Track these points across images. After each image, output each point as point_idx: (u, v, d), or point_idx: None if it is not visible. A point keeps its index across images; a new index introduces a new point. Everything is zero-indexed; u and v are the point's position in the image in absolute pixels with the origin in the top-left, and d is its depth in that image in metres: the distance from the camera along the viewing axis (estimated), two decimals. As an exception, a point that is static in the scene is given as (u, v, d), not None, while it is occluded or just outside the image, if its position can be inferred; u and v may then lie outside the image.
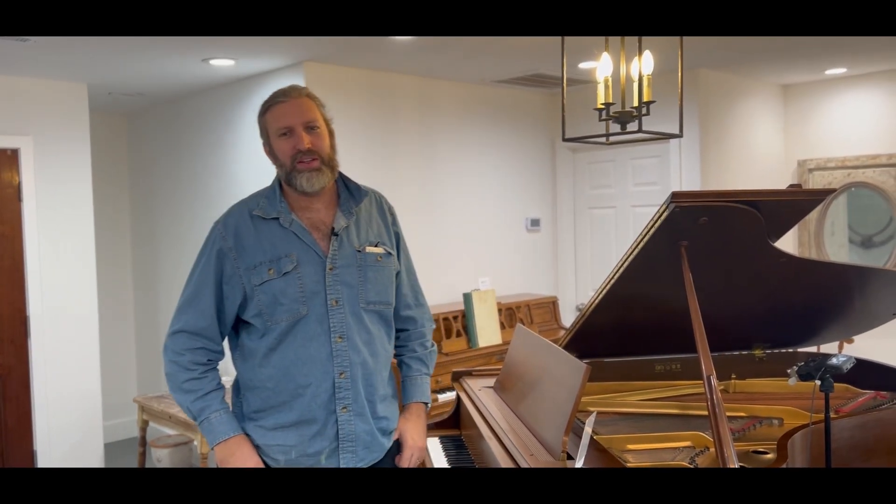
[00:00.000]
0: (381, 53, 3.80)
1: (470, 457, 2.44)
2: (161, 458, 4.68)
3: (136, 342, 5.65)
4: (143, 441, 4.31)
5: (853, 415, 2.25)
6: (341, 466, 1.87)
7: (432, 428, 2.74)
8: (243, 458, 1.81)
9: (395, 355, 2.13)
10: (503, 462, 2.03)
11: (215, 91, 4.58)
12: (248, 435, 1.87)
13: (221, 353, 1.90)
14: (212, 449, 1.84)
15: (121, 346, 5.60)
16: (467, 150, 4.75)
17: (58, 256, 4.23)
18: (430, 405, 2.16)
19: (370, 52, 3.78)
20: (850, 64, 4.44)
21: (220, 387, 1.88)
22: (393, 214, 2.05)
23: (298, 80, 3.96)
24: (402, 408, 2.09)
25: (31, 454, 4.19)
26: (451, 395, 3.65)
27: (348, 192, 1.95)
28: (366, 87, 4.19)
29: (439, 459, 2.45)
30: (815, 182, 4.96)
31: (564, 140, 2.44)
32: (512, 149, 5.01)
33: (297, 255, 1.83)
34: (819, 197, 2.09)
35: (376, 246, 1.93)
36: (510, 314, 4.37)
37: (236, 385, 1.96)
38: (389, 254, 1.97)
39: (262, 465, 1.84)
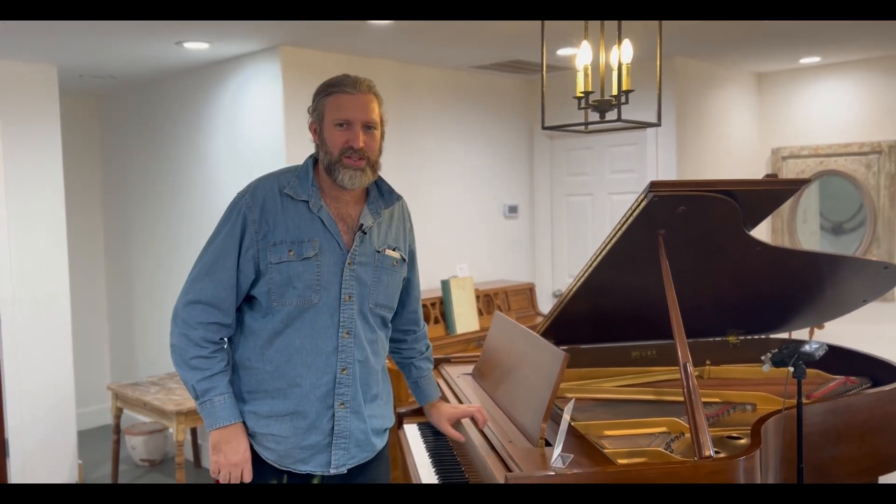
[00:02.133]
0: (358, 38, 3.77)
1: (448, 443, 2.45)
2: (136, 445, 4.64)
3: (110, 328, 5.59)
4: (116, 429, 4.27)
5: (824, 400, 2.30)
6: (331, 462, 1.86)
7: (410, 415, 2.75)
8: (236, 447, 1.80)
9: (403, 357, 2.16)
10: (482, 449, 2.04)
11: (189, 74, 4.51)
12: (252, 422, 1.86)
13: (232, 329, 1.87)
14: (209, 431, 1.82)
15: (93, 333, 5.53)
16: (445, 136, 4.74)
17: (28, 242, 4.16)
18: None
19: (347, 37, 3.74)
20: (823, 53, 4.48)
21: (227, 368, 1.85)
22: (411, 223, 2.07)
23: (274, 65, 3.91)
24: (428, 408, 2.16)
25: (3, 443, 4.13)
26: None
27: (378, 192, 1.94)
28: (342, 72, 4.14)
29: (417, 446, 2.46)
30: (789, 170, 5.02)
31: (544, 128, 2.44)
32: (490, 135, 5.01)
33: (319, 242, 1.81)
34: (794, 187, 2.12)
35: (394, 251, 1.93)
36: (488, 301, 4.38)
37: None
38: (404, 260, 1.98)
39: (249, 459, 1.81)
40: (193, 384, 1.80)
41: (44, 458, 4.24)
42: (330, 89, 1.83)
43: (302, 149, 4.07)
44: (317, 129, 1.85)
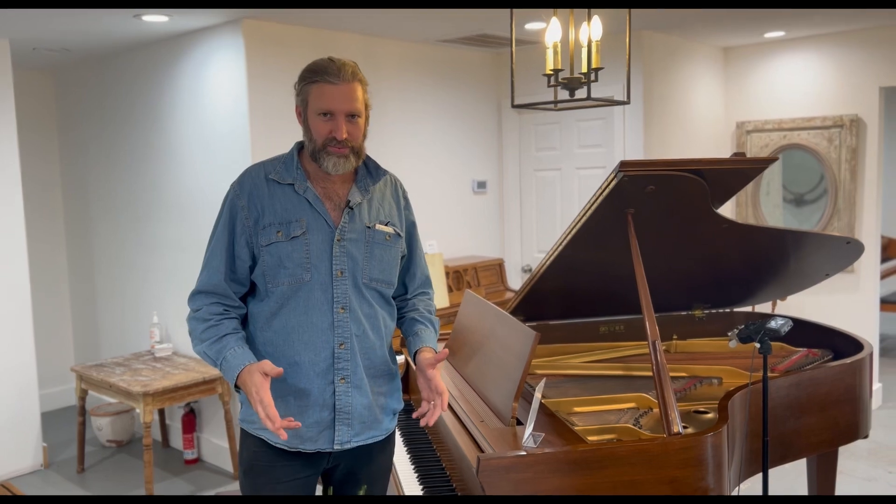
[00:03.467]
0: (322, 11, 3.69)
1: (418, 420, 2.46)
2: (102, 426, 4.58)
3: (72, 308, 5.48)
4: (82, 411, 4.21)
5: (789, 373, 2.35)
6: (335, 440, 1.84)
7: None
8: (251, 386, 1.71)
9: (404, 314, 2.04)
10: (454, 429, 2.05)
11: (149, 48, 4.38)
12: (248, 411, 1.86)
13: (241, 308, 1.89)
14: (235, 389, 1.80)
15: (55, 313, 5.42)
16: (412, 111, 4.69)
17: (-16, 222, 4.04)
18: None
19: (311, 10, 3.66)
20: (788, 27, 4.51)
21: (238, 330, 1.84)
22: (406, 199, 2.04)
23: (236, 38, 3.82)
24: (416, 354, 1.95)
25: (-36, 427, 4.05)
26: (399, 359, 3.66)
27: (366, 169, 1.94)
28: (307, 46, 4.08)
29: (389, 425, 2.47)
30: (753, 143, 5.08)
31: (514, 107, 2.43)
32: (457, 110, 4.97)
33: (306, 221, 1.84)
34: (761, 165, 2.14)
35: (386, 225, 1.93)
36: (457, 277, 4.38)
37: None
38: (399, 235, 1.96)
39: (263, 385, 1.71)
40: (206, 352, 1.82)
41: (7, 441, 4.16)
42: (314, 77, 1.80)
43: (266, 123, 4.02)
44: (303, 116, 1.86)
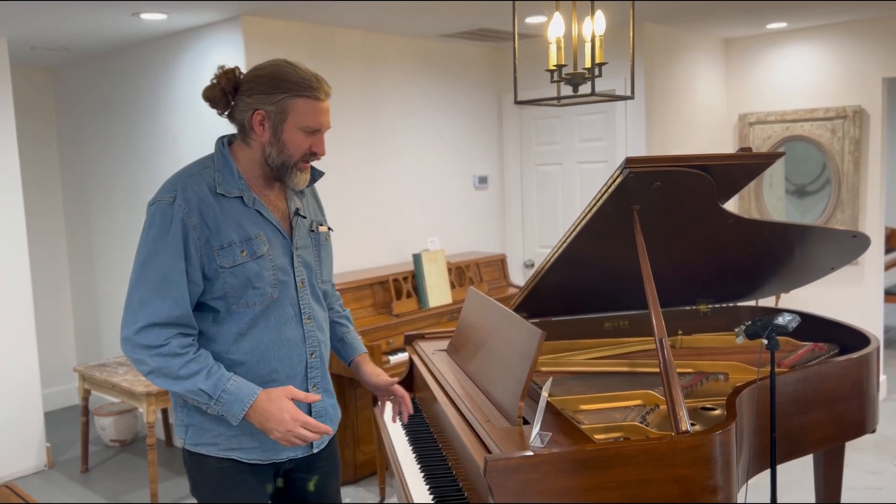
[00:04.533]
0: (322, 6, 3.67)
1: (423, 420, 2.45)
2: (105, 426, 4.58)
3: (73, 307, 5.47)
4: (85, 411, 4.20)
5: (795, 368, 2.33)
6: (314, 444, 1.89)
7: (385, 392, 2.74)
8: (279, 410, 1.67)
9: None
10: (459, 427, 2.03)
11: (147, 46, 4.36)
12: (218, 432, 1.79)
13: (199, 334, 1.76)
14: (244, 418, 1.69)
15: (57, 312, 5.41)
16: (413, 106, 4.67)
17: (-16, 222, 4.02)
18: None
19: (311, 6, 3.64)
20: (790, 18, 4.48)
21: (218, 361, 1.75)
22: (316, 191, 2.03)
23: (236, 36, 3.80)
24: (357, 364, 2.11)
25: (-33, 428, 4.05)
26: (402, 356, 3.65)
27: None
28: (307, 43, 4.05)
29: (393, 424, 2.46)
30: (755, 135, 5.05)
31: (516, 103, 2.40)
32: (458, 105, 4.94)
33: (265, 235, 1.77)
34: (769, 160, 2.12)
35: (322, 225, 1.94)
36: (460, 273, 4.37)
37: None
38: (331, 230, 1.98)
39: (296, 408, 1.70)
40: (200, 388, 1.66)
41: (11, 441, 4.16)
42: (300, 91, 1.71)
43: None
44: (272, 125, 1.73)
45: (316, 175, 1.91)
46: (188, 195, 1.70)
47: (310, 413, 1.86)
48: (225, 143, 1.81)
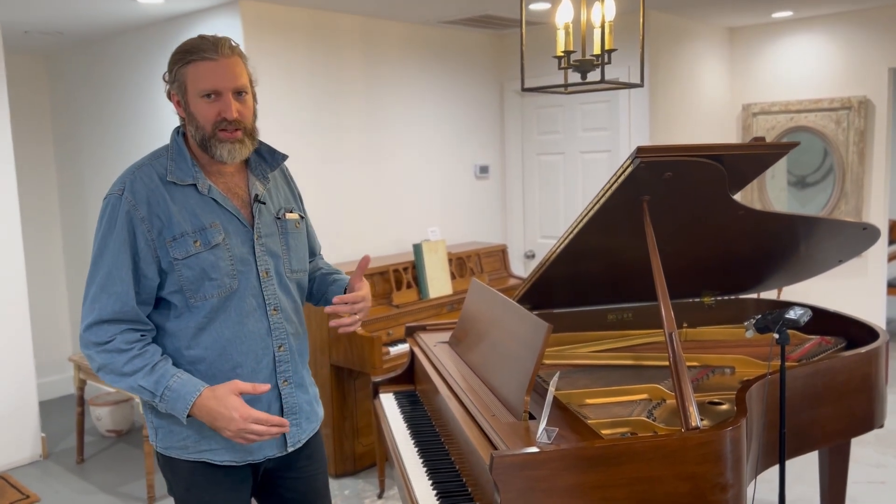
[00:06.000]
0: (322, -8, 3.60)
1: (424, 412, 2.41)
2: (101, 416, 4.53)
3: (68, 296, 5.41)
4: (80, 401, 4.15)
5: (802, 362, 2.30)
6: (289, 442, 1.82)
7: (386, 384, 2.70)
8: (225, 408, 1.60)
9: (313, 275, 2.04)
10: (463, 422, 1.99)
11: (144, 31, 4.28)
12: (186, 434, 1.72)
13: (153, 330, 1.71)
14: (188, 417, 1.63)
15: (52, 301, 5.35)
16: (414, 94, 4.60)
17: (-22, 210, 3.96)
18: None
19: (311, -9, 3.58)
20: (795, 7, 4.43)
21: (165, 355, 1.70)
22: (291, 176, 1.95)
23: (234, 20, 3.73)
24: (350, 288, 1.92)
25: (-39, 418, 4.00)
26: (402, 348, 3.61)
27: (258, 155, 1.81)
28: (307, 27, 3.98)
29: (394, 415, 2.42)
30: (759, 126, 5.01)
31: (524, 90, 2.35)
32: (460, 93, 4.88)
33: (221, 224, 1.69)
34: (782, 150, 2.07)
35: (291, 212, 1.84)
36: (460, 264, 4.32)
37: None
38: (303, 218, 1.89)
39: (245, 405, 1.63)
40: (140, 384, 1.61)
41: (6, 432, 4.11)
42: (188, 57, 1.63)
43: (264, 107, 3.93)
44: (180, 101, 1.67)
45: (279, 158, 1.82)
46: (136, 187, 1.64)
47: (281, 411, 1.78)
48: (180, 131, 1.75)
